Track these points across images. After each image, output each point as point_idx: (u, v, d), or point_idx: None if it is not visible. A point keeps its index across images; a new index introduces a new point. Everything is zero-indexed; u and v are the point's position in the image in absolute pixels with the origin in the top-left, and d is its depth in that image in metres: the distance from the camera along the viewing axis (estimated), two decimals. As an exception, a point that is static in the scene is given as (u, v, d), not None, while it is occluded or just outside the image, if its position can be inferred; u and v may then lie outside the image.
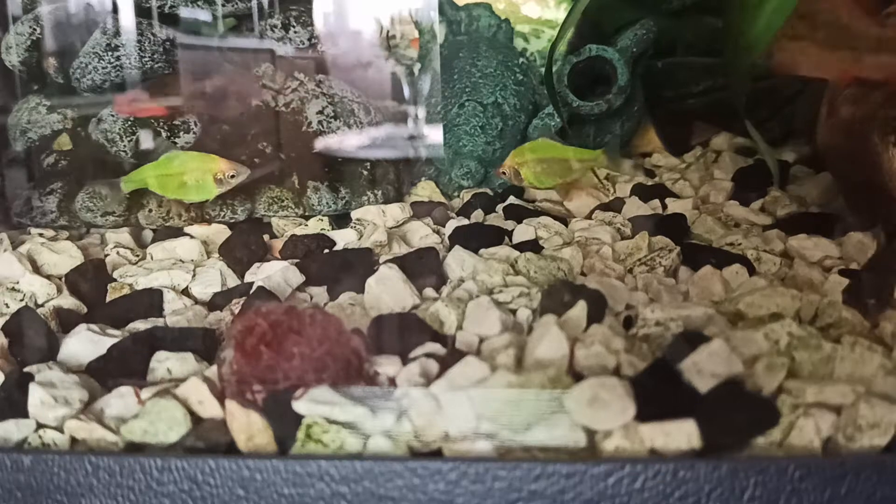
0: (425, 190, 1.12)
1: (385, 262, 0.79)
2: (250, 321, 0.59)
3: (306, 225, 1.00)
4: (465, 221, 0.97)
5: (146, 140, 1.00)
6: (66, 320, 0.75)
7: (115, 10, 1.03)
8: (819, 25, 0.86)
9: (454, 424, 0.55)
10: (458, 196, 1.12)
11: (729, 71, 0.95)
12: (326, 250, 0.90)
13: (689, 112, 1.34)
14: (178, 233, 0.97)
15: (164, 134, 1.00)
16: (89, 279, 0.82)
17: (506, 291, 0.72)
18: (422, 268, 0.80)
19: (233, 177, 0.93)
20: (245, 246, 0.89)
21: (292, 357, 0.58)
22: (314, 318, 0.60)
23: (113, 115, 1.00)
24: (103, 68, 1.01)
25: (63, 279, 0.84)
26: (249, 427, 0.56)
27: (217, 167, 0.93)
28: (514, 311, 0.70)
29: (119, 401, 0.60)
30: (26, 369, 0.64)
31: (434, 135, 1.15)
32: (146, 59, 1.02)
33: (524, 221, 0.93)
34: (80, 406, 0.60)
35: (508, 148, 1.14)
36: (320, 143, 1.07)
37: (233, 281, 0.83)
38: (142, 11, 1.03)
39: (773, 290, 0.70)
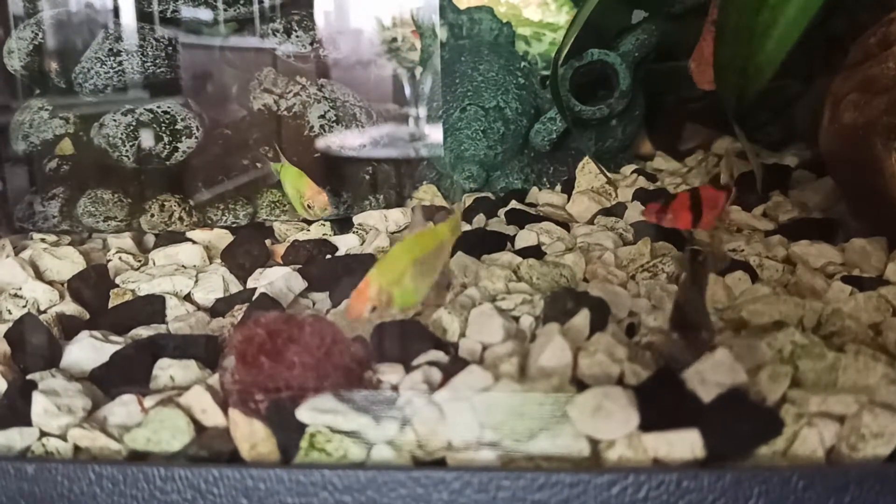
0: (427, 194, 1.12)
1: (387, 268, 0.79)
2: (250, 331, 0.59)
3: (308, 230, 1.00)
4: (467, 226, 0.97)
5: (147, 144, 1.00)
6: (69, 327, 0.75)
7: (116, 14, 1.03)
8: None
9: (457, 433, 0.55)
10: (460, 200, 1.12)
11: (720, 79, 0.95)
12: (329, 256, 0.90)
13: (688, 115, 1.34)
14: (180, 237, 0.97)
15: (165, 139, 0.99)
16: (91, 285, 0.82)
17: (508, 298, 0.72)
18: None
19: (310, 206, 0.90)
20: (247, 251, 0.89)
21: (293, 366, 0.58)
22: (314, 325, 0.60)
23: (115, 120, 1.00)
24: (105, 73, 1.01)
25: (65, 285, 0.84)
26: (253, 436, 0.56)
27: (304, 190, 0.91)
28: (516, 319, 0.70)
29: (122, 409, 0.60)
30: (29, 377, 0.64)
31: (436, 139, 1.15)
32: (148, 63, 1.02)
33: (526, 227, 0.93)
34: (84, 414, 0.60)
35: (510, 152, 1.14)
36: (322, 147, 1.07)
37: (235, 287, 0.83)
38: (143, 16, 1.03)
39: (775, 297, 0.70)
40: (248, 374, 0.57)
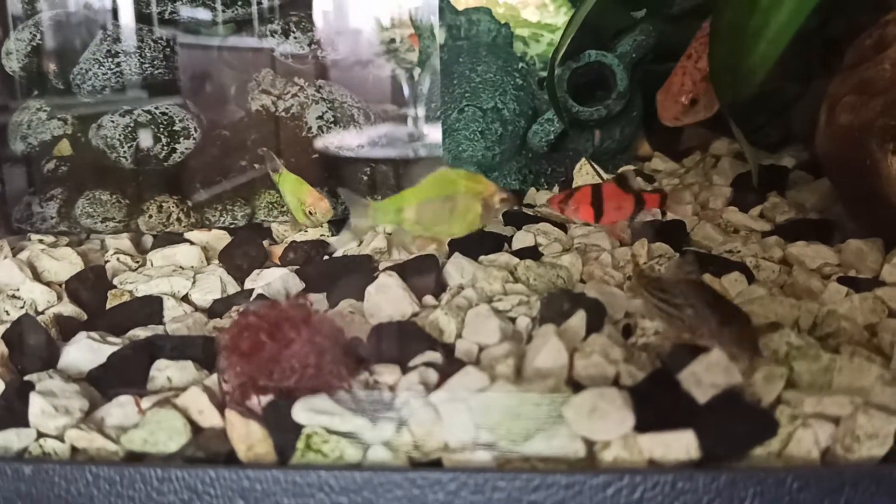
0: (425, 195, 1.12)
1: (385, 269, 0.79)
2: (236, 327, 0.59)
3: (306, 231, 1.00)
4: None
5: (145, 145, 1.00)
6: (67, 328, 0.75)
7: (115, 15, 1.03)
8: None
9: (454, 434, 0.55)
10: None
11: (714, 80, 0.95)
12: (326, 257, 0.90)
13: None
14: (178, 239, 0.97)
15: (163, 140, 1.00)
16: (89, 286, 0.82)
17: (505, 299, 0.72)
18: (421, 275, 0.80)
19: (311, 213, 0.87)
20: (245, 252, 0.89)
21: (280, 351, 0.57)
22: (299, 311, 0.60)
23: (113, 121, 1.00)
24: (103, 74, 1.01)
25: (63, 286, 0.84)
26: (249, 437, 0.56)
27: (304, 198, 0.87)
28: (513, 320, 0.70)
29: (119, 410, 0.60)
30: (27, 378, 0.64)
31: (434, 140, 1.15)
32: (146, 64, 1.02)
33: (523, 227, 0.93)
34: (81, 415, 0.60)
35: (508, 153, 1.15)
36: (320, 148, 1.07)
37: (233, 288, 0.83)
38: (142, 17, 1.03)
39: (771, 298, 0.70)
40: (239, 368, 0.57)
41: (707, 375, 0.57)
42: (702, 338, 0.59)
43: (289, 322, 0.58)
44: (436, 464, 0.55)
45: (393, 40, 1.17)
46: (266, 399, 0.58)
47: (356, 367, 0.61)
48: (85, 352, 0.68)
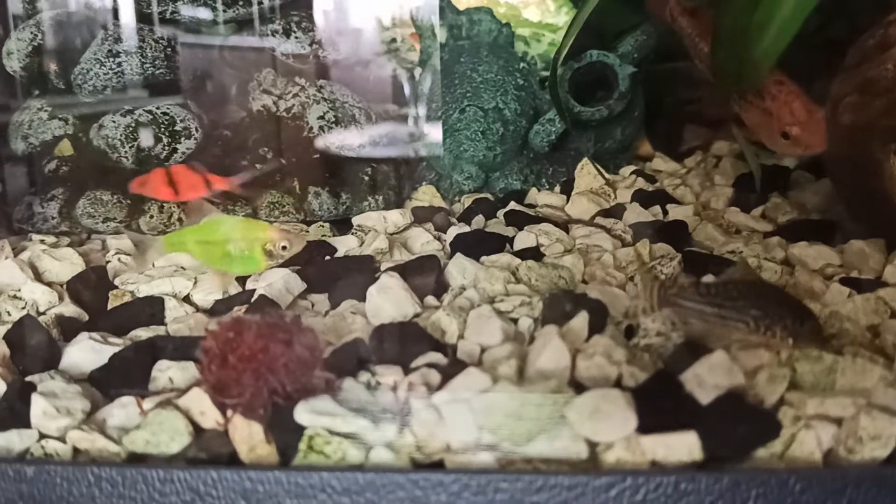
0: (426, 195, 1.12)
1: (386, 270, 0.79)
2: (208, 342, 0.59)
3: (307, 231, 1.00)
4: (467, 228, 0.97)
5: (146, 145, 1.00)
6: (68, 328, 0.75)
7: (116, 15, 1.03)
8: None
9: (456, 436, 0.55)
10: (459, 201, 1.12)
11: (717, 78, 0.95)
12: (327, 257, 0.90)
13: (685, 116, 1.34)
14: (179, 239, 0.97)
15: (164, 140, 1.00)
16: (91, 286, 0.82)
17: (507, 300, 0.72)
18: (423, 275, 0.80)
19: (285, 248, 0.79)
20: (246, 253, 0.89)
21: (244, 367, 0.57)
22: (266, 326, 0.59)
23: (114, 121, 1.00)
24: (104, 74, 1.01)
25: (64, 286, 0.84)
26: (251, 438, 0.56)
27: (267, 237, 0.79)
28: (515, 321, 0.70)
29: (121, 411, 0.60)
30: (28, 379, 0.64)
31: (435, 140, 1.15)
32: (147, 64, 1.02)
33: (525, 228, 0.93)
34: (83, 416, 0.60)
35: (509, 153, 1.15)
36: (321, 148, 1.07)
37: (234, 288, 0.83)
38: (143, 16, 1.03)
39: (774, 299, 0.70)
40: (211, 381, 0.58)
41: (709, 376, 0.57)
42: (773, 338, 0.58)
43: (246, 338, 0.58)
44: (438, 465, 0.55)
45: (394, 40, 1.17)
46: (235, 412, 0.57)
47: (331, 378, 0.60)
48: (86, 352, 0.68)
